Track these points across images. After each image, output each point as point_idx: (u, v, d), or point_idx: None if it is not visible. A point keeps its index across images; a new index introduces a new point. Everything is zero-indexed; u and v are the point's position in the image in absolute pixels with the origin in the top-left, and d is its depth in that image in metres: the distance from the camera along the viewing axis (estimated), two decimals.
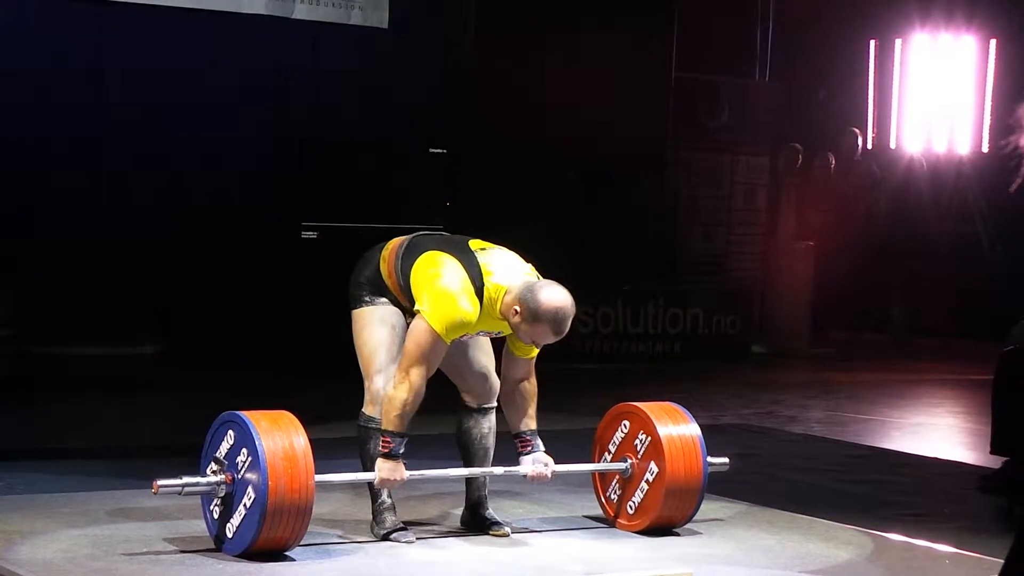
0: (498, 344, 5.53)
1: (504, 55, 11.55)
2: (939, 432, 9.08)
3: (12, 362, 9.03)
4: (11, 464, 6.67)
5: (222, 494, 5.12)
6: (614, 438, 5.81)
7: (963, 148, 13.83)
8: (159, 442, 7.48)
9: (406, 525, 5.50)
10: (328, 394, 8.13)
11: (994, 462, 7.21)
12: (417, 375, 5.20)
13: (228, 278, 10.27)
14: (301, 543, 5.19)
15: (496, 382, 5.55)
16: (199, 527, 5.39)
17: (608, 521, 5.83)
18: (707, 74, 12.73)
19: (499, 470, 5.55)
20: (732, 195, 12.91)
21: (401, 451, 5.26)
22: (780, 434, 8.61)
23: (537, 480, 5.51)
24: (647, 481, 5.67)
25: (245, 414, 5.10)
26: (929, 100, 14.06)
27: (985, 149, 13.57)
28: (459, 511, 5.74)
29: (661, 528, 5.68)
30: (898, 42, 14.10)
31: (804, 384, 10.81)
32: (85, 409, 8.52)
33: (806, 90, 14.08)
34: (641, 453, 5.70)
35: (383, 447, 5.26)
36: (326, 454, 6.88)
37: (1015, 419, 6.92)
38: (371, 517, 5.49)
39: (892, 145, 14.20)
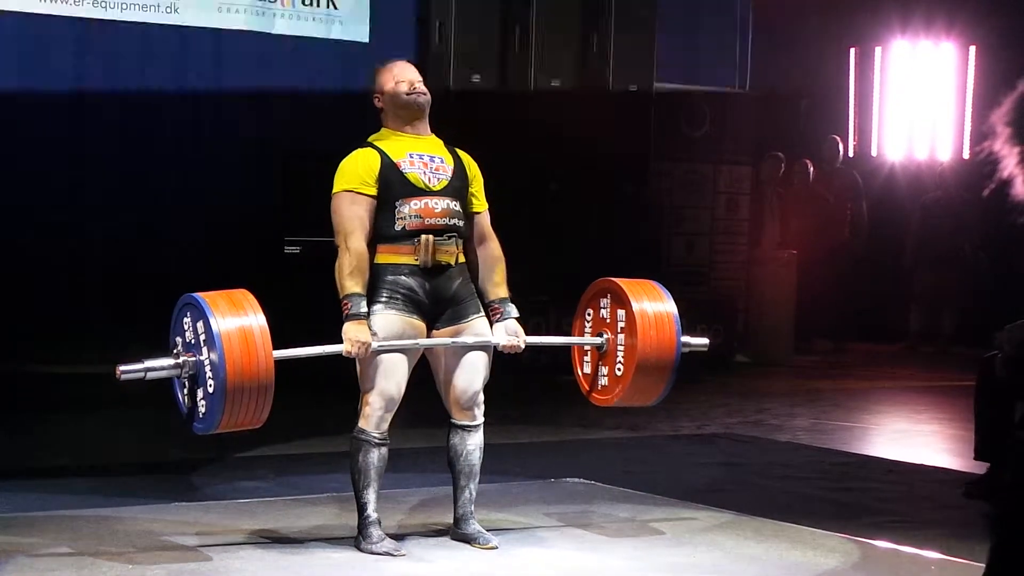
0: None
1: (484, 67, 11.54)
2: (924, 438, 9.09)
3: None
4: None
5: (187, 375, 5.13)
6: (592, 313, 5.82)
7: (944, 155, 13.87)
8: (143, 459, 7.45)
9: (393, 538, 5.49)
10: (318, 408, 8.13)
11: (978, 468, 7.21)
12: (353, 240, 5.34)
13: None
14: (294, 554, 5.17)
15: (481, 401, 5.55)
16: (185, 544, 5.38)
17: (583, 395, 5.83)
18: (688, 84, 12.74)
19: (470, 339, 5.44)
20: (715, 205, 12.90)
21: (362, 309, 5.28)
22: (765, 443, 8.60)
23: (510, 351, 5.52)
24: (619, 354, 5.66)
25: (200, 295, 5.14)
26: (910, 107, 14.11)
27: (966, 156, 13.60)
28: (445, 524, 5.74)
29: (631, 407, 5.71)
30: (878, 50, 14.15)
31: (789, 392, 10.80)
32: (68, 427, 8.47)
33: (787, 99, 14.10)
34: (616, 327, 5.69)
35: (344, 310, 5.29)
36: (317, 468, 6.88)
37: (996, 425, 6.93)
38: (356, 532, 5.48)
39: (874, 152, 14.24)
